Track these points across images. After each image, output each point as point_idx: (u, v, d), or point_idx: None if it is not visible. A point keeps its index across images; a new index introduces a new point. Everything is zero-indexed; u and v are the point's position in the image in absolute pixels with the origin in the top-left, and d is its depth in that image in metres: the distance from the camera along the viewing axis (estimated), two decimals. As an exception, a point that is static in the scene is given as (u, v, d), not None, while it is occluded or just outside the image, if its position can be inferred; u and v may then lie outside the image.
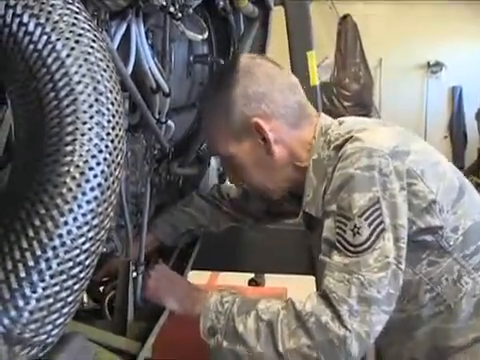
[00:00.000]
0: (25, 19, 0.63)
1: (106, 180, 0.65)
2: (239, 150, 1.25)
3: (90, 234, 0.63)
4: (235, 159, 1.26)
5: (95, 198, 0.63)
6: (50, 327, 0.62)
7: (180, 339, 1.65)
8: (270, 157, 1.23)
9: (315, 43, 2.30)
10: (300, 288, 1.70)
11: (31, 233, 0.60)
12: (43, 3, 0.64)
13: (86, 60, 0.66)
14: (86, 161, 0.63)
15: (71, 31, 0.65)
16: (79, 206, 0.62)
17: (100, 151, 0.65)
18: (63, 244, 0.61)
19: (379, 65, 7.42)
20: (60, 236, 0.61)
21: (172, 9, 1.01)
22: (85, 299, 1.39)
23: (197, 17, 1.37)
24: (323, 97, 5.84)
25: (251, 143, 1.24)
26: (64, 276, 0.61)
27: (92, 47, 0.67)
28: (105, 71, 0.68)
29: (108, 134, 0.66)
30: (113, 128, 0.67)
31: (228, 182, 1.76)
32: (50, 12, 0.64)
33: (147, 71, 1.10)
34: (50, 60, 0.64)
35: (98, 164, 0.64)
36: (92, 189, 0.63)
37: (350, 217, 1.08)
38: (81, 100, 0.64)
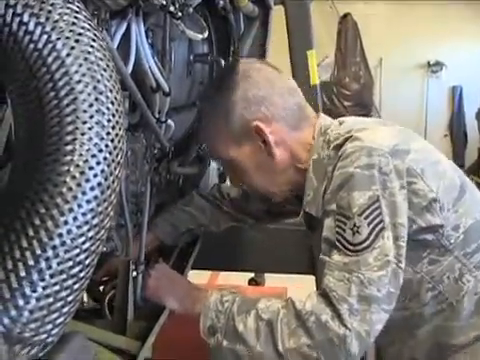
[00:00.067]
0: (25, 18, 0.63)
1: (106, 179, 0.65)
2: (239, 154, 1.25)
3: (90, 233, 0.63)
4: (236, 163, 1.26)
5: (95, 197, 0.63)
6: (50, 326, 0.62)
7: (180, 338, 1.65)
8: (271, 160, 1.24)
9: (315, 42, 2.30)
10: (300, 287, 1.69)
11: (31, 232, 0.60)
12: (43, 2, 0.64)
13: (86, 59, 0.66)
14: (86, 160, 0.63)
15: (71, 30, 0.65)
16: (79, 205, 0.62)
17: (100, 150, 0.64)
18: (63, 243, 0.61)
19: (379, 65, 7.43)
20: (60, 235, 0.61)
21: (172, 8, 1.02)
22: (85, 298, 1.39)
23: (197, 16, 1.37)
24: (323, 96, 5.85)
25: (251, 147, 1.24)
26: (64, 275, 0.61)
27: (92, 46, 0.67)
28: (105, 70, 0.68)
29: (108, 133, 0.66)
30: (113, 127, 0.67)
31: (228, 182, 1.76)
32: (50, 11, 0.64)
33: (147, 70, 1.10)
34: (50, 59, 0.64)
35: (98, 163, 0.64)
36: (92, 188, 0.63)
37: (350, 216, 1.08)
38: (81, 99, 0.64)
